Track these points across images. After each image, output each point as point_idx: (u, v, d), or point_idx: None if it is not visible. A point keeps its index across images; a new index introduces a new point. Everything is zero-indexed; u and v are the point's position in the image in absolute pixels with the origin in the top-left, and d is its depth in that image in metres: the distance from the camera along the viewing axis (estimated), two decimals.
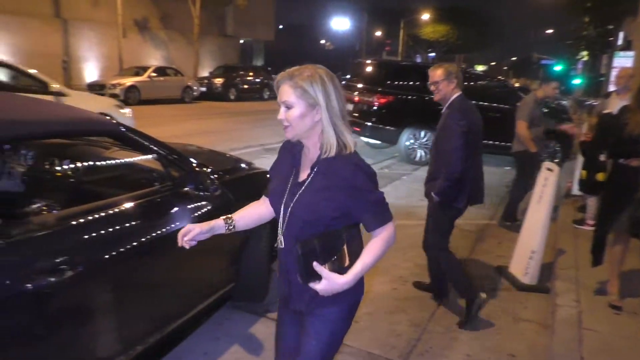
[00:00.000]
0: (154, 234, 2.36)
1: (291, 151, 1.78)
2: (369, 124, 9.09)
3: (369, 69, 10.20)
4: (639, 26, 9.87)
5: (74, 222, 2.08)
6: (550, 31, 57.47)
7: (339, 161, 1.66)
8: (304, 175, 1.72)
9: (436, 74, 3.32)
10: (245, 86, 22.94)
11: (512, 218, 5.66)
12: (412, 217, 5.57)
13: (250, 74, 23.85)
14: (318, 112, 1.63)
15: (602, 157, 3.71)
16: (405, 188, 7.34)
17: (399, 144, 9.23)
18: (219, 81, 22.02)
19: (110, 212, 2.24)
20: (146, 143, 2.55)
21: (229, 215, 1.84)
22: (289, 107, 1.62)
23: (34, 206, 2.29)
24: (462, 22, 40.79)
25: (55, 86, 7.38)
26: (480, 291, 3.59)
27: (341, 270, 1.63)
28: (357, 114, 9.37)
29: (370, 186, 1.69)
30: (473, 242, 5.11)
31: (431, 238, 3.52)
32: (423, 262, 3.88)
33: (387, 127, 9.12)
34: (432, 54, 47.93)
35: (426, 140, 9.14)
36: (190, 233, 1.73)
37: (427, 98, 8.97)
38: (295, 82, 1.62)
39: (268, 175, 1.93)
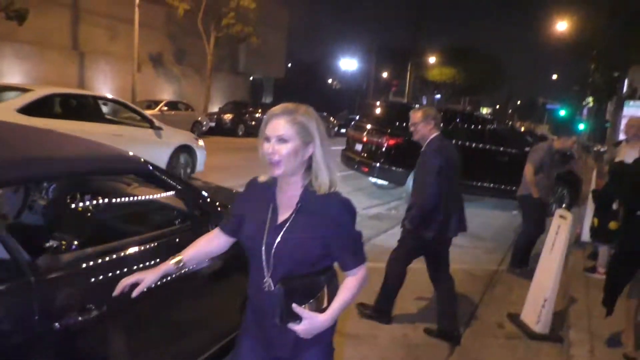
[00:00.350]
0: (174, 275, 2.38)
1: (262, 189, 1.76)
2: (377, 164, 9.15)
3: (378, 110, 10.37)
4: None
5: (97, 261, 2.10)
6: (555, 77, 58.27)
7: (328, 199, 1.65)
8: (284, 213, 1.69)
9: (416, 116, 3.62)
10: (254, 122, 23.28)
11: (521, 264, 5.64)
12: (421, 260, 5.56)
13: (259, 110, 24.22)
14: (310, 149, 1.63)
15: (615, 206, 3.73)
16: None
17: (406, 185, 9.27)
18: (228, 117, 22.33)
19: (131, 251, 2.26)
20: (170, 181, 2.61)
21: (179, 257, 1.81)
22: (282, 142, 1.59)
23: (55, 242, 2.33)
24: (468, 65, 41.45)
25: (157, 122, 8.39)
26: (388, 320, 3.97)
27: (319, 310, 1.62)
28: (365, 154, 9.48)
29: (353, 225, 1.70)
30: (483, 288, 5.09)
31: (393, 254, 3.91)
32: (435, 305, 3.88)
33: (396, 168, 9.19)
34: (438, 96, 48.56)
35: None
36: (143, 284, 1.71)
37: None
38: (294, 117, 1.61)
39: (231, 212, 1.90)
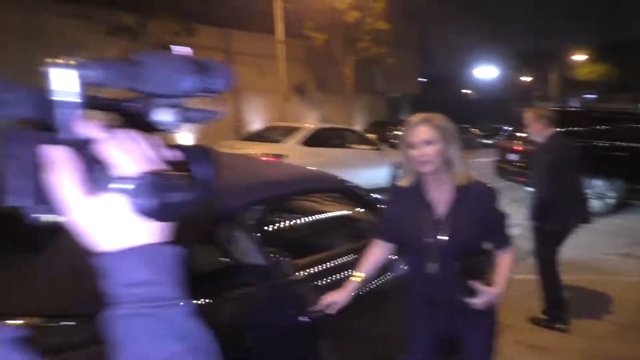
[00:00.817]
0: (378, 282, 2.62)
1: (408, 193, 2.01)
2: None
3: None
4: None
5: (316, 268, 2.40)
6: None
7: (476, 187, 1.94)
8: (441, 207, 1.94)
9: (528, 116, 3.97)
10: (396, 140, 23.48)
11: None
12: (600, 272, 5.28)
13: (400, 127, 24.41)
14: (449, 149, 1.89)
15: None
16: (583, 239, 6.93)
17: None
18: (373, 136, 22.90)
19: (341, 260, 2.57)
20: (366, 198, 2.94)
21: (361, 274, 2.08)
22: (428, 144, 1.86)
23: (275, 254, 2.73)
24: (624, 60, 37.45)
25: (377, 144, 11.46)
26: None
27: (489, 285, 1.88)
28: (521, 164, 9.16)
29: (499, 208, 1.97)
30: None
31: (537, 259, 4.00)
32: (622, 320, 3.71)
33: None
34: (592, 96, 44.45)
35: (601, 191, 8.56)
36: (335, 305, 2.00)
37: (600, 145, 8.51)
38: (435, 123, 1.89)
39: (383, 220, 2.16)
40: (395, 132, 23.84)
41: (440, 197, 1.95)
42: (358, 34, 22.14)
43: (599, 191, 8.60)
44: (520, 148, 9.21)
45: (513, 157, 9.49)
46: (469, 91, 55.10)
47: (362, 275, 2.09)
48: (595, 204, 8.58)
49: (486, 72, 48.80)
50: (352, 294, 2.06)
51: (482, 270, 1.88)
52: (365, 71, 27.76)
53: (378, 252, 2.15)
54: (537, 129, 3.93)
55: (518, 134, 9.73)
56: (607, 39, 40.84)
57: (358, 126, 27.20)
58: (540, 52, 41.96)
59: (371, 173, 10.07)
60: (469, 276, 1.82)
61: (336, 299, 2.02)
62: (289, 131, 10.02)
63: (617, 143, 8.59)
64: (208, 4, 15.72)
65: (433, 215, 1.95)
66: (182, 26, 14.65)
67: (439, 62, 43.33)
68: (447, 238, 1.89)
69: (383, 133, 23.16)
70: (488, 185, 1.99)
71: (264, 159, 7.89)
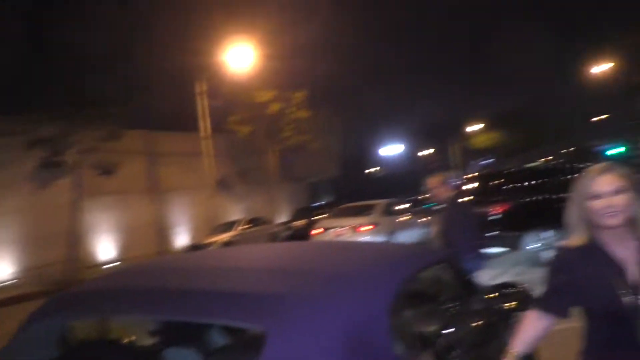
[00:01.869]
0: None
1: (583, 254, 1.79)
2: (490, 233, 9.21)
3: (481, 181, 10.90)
4: None
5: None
6: (596, 119, 57.28)
7: None
8: (631, 266, 1.73)
9: (432, 182, 4.55)
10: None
11: None
12: None
13: (324, 212, 24.81)
14: (636, 200, 1.73)
15: None
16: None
17: (522, 249, 9.23)
18: (300, 223, 22.95)
19: None
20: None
21: (514, 352, 1.84)
22: (619, 193, 1.70)
23: None
24: (513, 125, 41.79)
25: None
26: None
27: None
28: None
29: None
30: None
31: None
32: None
33: (508, 233, 9.20)
34: (489, 160, 48.45)
35: (548, 241, 9.13)
36: None
37: (545, 198, 9.19)
38: (620, 172, 1.74)
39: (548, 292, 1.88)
40: (321, 217, 24.16)
41: (632, 256, 1.75)
42: (280, 124, 22.84)
43: (549, 242, 9.14)
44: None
45: None
46: (375, 169, 57.83)
47: (516, 352, 1.85)
48: (546, 255, 9.09)
49: (392, 149, 51.88)
50: None
51: None
52: (287, 160, 28.33)
53: (538, 325, 1.89)
54: (439, 193, 4.52)
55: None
56: (498, 109, 45.52)
57: (283, 214, 27.30)
58: (441, 126, 45.67)
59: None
60: None
61: None
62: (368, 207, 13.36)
63: (557, 195, 9.33)
64: (133, 108, 15.53)
65: (629, 278, 1.73)
66: (108, 132, 14.26)
67: (354, 144, 45.47)
68: None
69: (309, 219, 23.23)
70: None
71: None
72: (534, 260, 9.09)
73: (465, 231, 4.29)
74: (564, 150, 71.01)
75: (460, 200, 4.57)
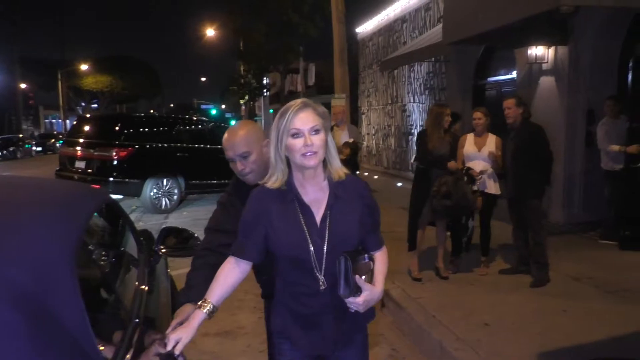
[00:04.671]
0: None
1: (276, 196, 1.67)
2: (111, 179, 8.70)
3: (95, 123, 9.84)
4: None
5: None
6: (204, 79, 62.74)
7: (352, 183, 1.71)
8: (319, 209, 1.67)
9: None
10: None
11: None
12: None
13: None
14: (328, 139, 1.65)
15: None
16: None
17: (142, 196, 9.10)
18: None
19: None
20: None
21: (209, 304, 1.65)
22: (316, 133, 1.59)
23: None
24: (125, 72, 40.64)
25: None
26: None
27: (371, 283, 1.67)
28: (92, 171, 8.86)
29: (376, 205, 1.79)
30: None
31: None
32: None
33: (130, 180, 8.91)
34: (95, 105, 46.20)
35: (168, 188, 9.31)
36: (182, 342, 1.56)
37: (164, 147, 9.25)
38: (318, 110, 1.62)
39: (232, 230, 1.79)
40: None
41: (317, 198, 1.68)
42: None
43: (166, 189, 9.30)
44: (90, 155, 8.88)
45: (81, 164, 9.05)
46: None
47: (211, 303, 1.65)
48: (164, 202, 9.26)
49: None
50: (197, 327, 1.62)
51: (365, 268, 1.64)
52: None
53: (232, 273, 1.72)
54: None
55: (80, 141, 9.29)
56: (109, 51, 43.27)
57: None
58: (47, 61, 40.30)
59: None
60: (355, 272, 1.60)
61: (181, 335, 1.57)
62: None
63: (178, 145, 9.53)
64: None
65: (314, 220, 1.66)
66: None
67: None
68: (330, 245, 1.65)
69: None
70: (364, 181, 1.81)
71: None
72: (154, 207, 9.11)
73: None
74: (171, 105, 75.15)
75: None
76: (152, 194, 9.14)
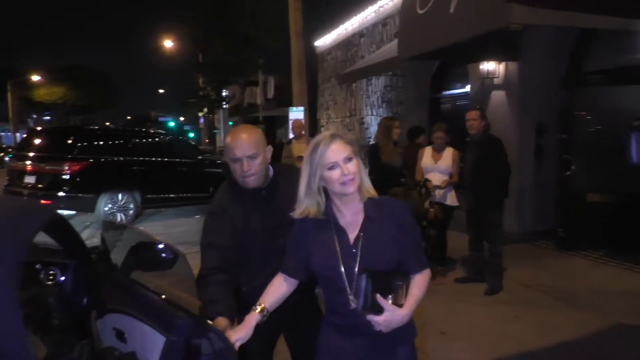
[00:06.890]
0: None
1: (315, 221, 1.77)
2: (63, 194, 8.41)
3: (45, 136, 9.48)
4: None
5: None
6: (162, 91, 61.60)
7: (387, 203, 1.80)
8: (354, 230, 1.74)
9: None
10: None
11: None
12: None
13: None
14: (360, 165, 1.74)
15: None
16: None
17: (97, 211, 8.83)
18: None
19: None
20: None
21: (262, 306, 1.79)
22: (349, 160, 1.68)
23: None
24: (79, 82, 39.54)
25: None
26: None
27: (397, 305, 1.68)
28: (41, 186, 8.55)
29: (415, 227, 1.82)
30: None
31: None
32: None
33: (83, 195, 8.64)
34: (48, 117, 44.78)
35: (124, 203, 9.09)
36: (240, 341, 1.68)
37: (120, 160, 9.03)
38: (347, 139, 1.72)
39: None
40: None
41: (352, 220, 1.77)
42: None
43: (122, 204, 9.06)
44: (40, 169, 8.56)
45: (30, 179, 8.70)
46: None
47: (264, 306, 1.79)
48: (119, 217, 9.01)
49: None
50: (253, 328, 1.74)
51: (392, 288, 1.67)
52: None
53: (283, 285, 1.88)
54: None
55: (29, 155, 8.95)
56: (63, 62, 42.00)
57: None
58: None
59: None
60: (379, 291, 1.64)
61: (240, 336, 1.68)
62: None
63: (134, 158, 9.30)
64: None
65: (348, 242, 1.75)
66: None
67: None
68: (366, 265, 1.70)
69: None
70: (402, 202, 1.86)
71: None
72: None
73: None
74: (128, 117, 73.54)
75: None
76: (106, 209, 8.87)
